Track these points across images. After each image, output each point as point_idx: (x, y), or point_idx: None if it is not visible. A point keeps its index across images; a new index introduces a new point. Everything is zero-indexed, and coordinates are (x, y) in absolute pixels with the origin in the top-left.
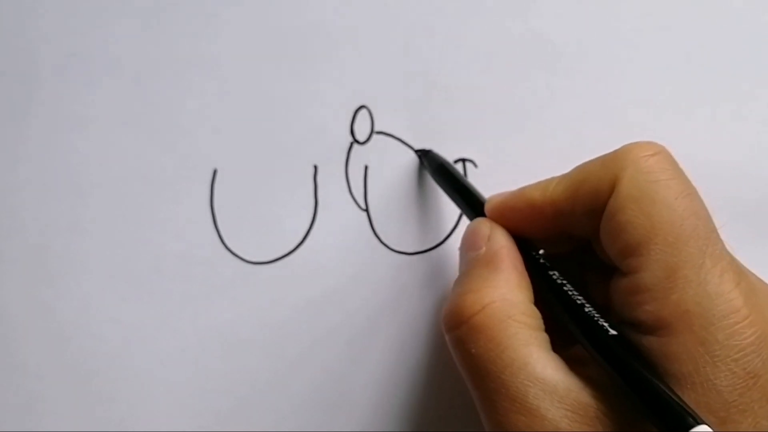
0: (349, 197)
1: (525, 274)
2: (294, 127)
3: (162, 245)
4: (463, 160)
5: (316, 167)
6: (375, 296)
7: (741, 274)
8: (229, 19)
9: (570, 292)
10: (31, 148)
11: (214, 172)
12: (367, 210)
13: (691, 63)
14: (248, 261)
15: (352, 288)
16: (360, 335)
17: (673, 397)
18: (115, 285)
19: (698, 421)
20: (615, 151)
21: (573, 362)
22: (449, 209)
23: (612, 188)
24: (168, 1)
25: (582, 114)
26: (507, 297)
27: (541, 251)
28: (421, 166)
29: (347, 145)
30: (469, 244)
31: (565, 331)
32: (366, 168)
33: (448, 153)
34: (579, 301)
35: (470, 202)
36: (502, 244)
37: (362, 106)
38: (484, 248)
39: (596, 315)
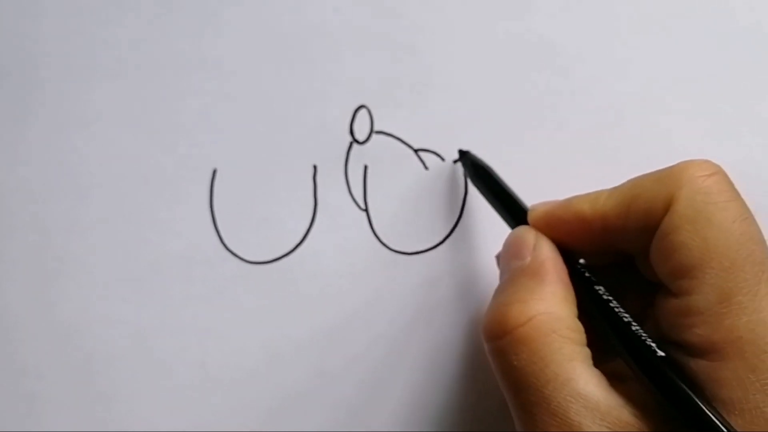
0: (348, 197)
1: (570, 287)
2: (294, 127)
3: (162, 245)
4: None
5: (315, 167)
6: (375, 296)
7: None
8: (229, 19)
9: (616, 309)
10: (31, 148)
11: (214, 172)
12: (366, 210)
13: (692, 63)
14: (248, 261)
15: (352, 288)
16: (359, 335)
17: (722, 422)
18: (115, 285)
19: None
20: (670, 168)
21: (612, 377)
22: (449, 209)
23: (667, 207)
24: (168, 2)
25: (582, 114)
26: (552, 311)
27: (581, 260)
28: (462, 167)
29: (347, 145)
30: (513, 252)
31: (605, 344)
32: (366, 168)
33: (448, 153)
34: (626, 319)
35: (512, 209)
36: (548, 255)
37: (362, 106)
38: (529, 258)
39: (644, 335)
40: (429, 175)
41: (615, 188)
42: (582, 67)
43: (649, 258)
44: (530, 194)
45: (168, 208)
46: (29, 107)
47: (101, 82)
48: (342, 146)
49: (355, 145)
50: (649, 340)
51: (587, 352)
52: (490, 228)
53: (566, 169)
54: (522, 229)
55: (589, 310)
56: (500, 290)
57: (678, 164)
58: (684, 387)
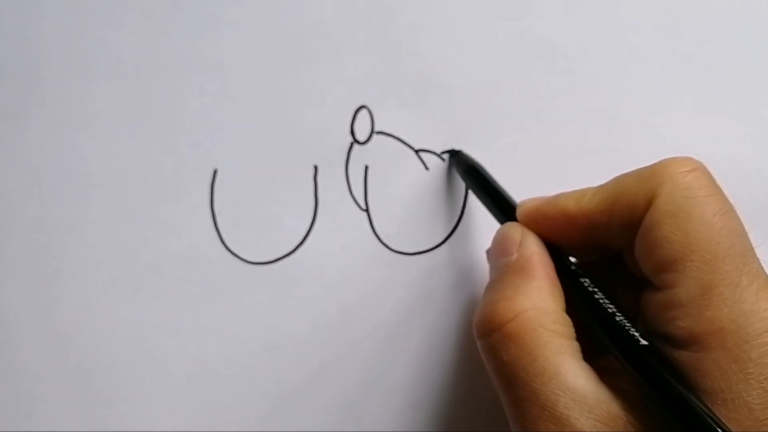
0: (349, 197)
1: (557, 281)
2: (294, 127)
3: (162, 245)
4: None
5: (316, 167)
6: (375, 296)
7: None
8: (230, 19)
9: (601, 301)
10: (31, 148)
11: (214, 172)
12: (367, 210)
13: (692, 62)
14: (248, 261)
15: (352, 288)
16: (359, 335)
17: (705, 409)
18: (115, 285)
19: None
20: (652, 166)
21: (604, 372)
22: (449, 209)
23: (649, 203)
24: (168, 2)
25: (582, 114)
26: (539, 305)
27: (571, 258)
28: (449, 166)
29: (347, 145)
30: (500, 249)
31: (596, 339)
32: (366, 168)
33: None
34: (610, 310)
35: (501, 206)
36: (534, 251)
37: (362, 106)
38: (515, 254)
39: (627, 324)
40: (429, 175)
41: (600, 186)
42: (582, 67)
43: (634, 254)
44: (530, 194)
45: (168, 208)
46: (29, 107)
47: (101, 82)
48: (343, 146)
49: (355, 146)
50: (633, 330)
51: (576, 345)
52: (490, 228)
53: (566, 168)
54: (508, 226)
55: (577, 304)
56: (489, 288)
57: (660, 161)
58: (666, 374)
